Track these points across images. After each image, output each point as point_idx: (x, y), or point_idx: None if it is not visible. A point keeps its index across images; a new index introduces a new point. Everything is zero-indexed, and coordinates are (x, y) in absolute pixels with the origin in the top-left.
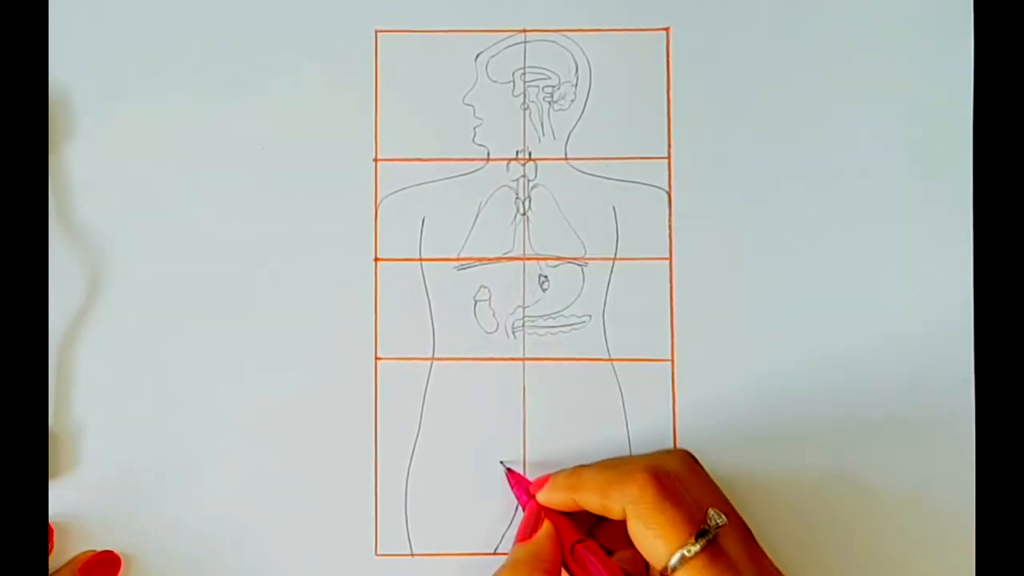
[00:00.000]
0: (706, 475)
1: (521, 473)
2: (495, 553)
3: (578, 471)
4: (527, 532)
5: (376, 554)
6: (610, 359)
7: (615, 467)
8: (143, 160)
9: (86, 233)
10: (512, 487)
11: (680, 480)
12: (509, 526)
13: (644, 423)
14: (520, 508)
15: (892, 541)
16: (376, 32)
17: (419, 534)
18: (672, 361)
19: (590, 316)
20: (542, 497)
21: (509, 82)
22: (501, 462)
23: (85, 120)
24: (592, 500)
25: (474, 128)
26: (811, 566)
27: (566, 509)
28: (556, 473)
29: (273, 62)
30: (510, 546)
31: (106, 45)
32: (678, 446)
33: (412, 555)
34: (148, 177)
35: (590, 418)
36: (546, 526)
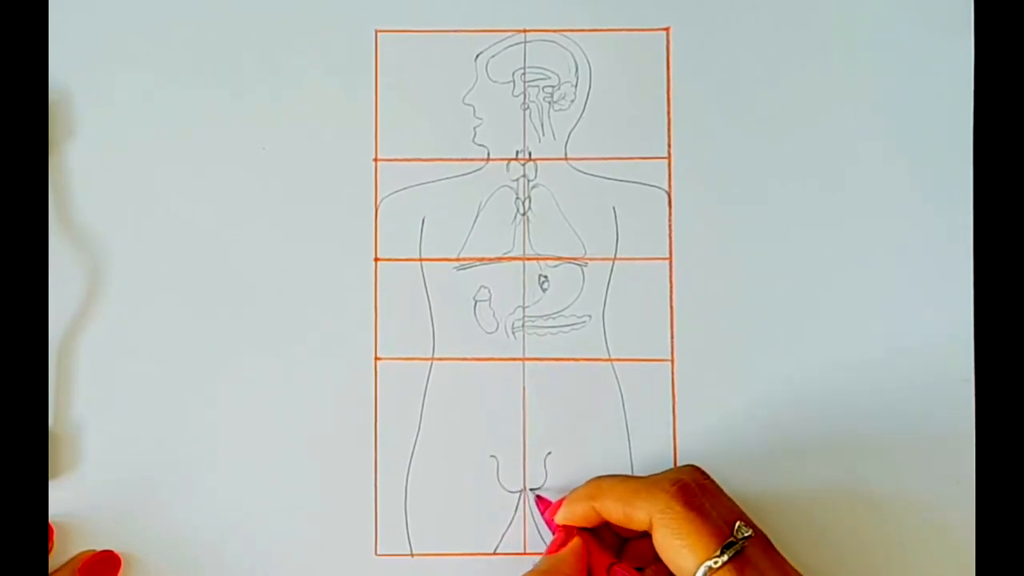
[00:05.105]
0: (722, 489)
1: (548, 498)
2: (495, 553)
3: (597, 481)
4: (555, 549)
5: (376, 554)
6: (610, 359)
7: (638, 479)
8: (143, 160)
9: (86, 233)
10: (542, 513)
11: (706, 494)
12: (509, 526)
13: (644, 423)
14: (551, 532)
15: (890, 545)
16: (376, 32)
17: (419, 534)
18: (672, 361)
19: (590, 316)
20: (561, 516)
21: (509, 82)
22: (531, 489)
23: (85, 120)
24: (615, 508)
25: (474, 128)
26: (808, 567)
27: (586, 523)
28: (572, 490)
29: (273, 62)
30: (510, 546)
31: (106, 45)
32: (678, 446)
33: (412, 555)
34: (148, 177)
35: (590, 418)
36: (574, 542)
